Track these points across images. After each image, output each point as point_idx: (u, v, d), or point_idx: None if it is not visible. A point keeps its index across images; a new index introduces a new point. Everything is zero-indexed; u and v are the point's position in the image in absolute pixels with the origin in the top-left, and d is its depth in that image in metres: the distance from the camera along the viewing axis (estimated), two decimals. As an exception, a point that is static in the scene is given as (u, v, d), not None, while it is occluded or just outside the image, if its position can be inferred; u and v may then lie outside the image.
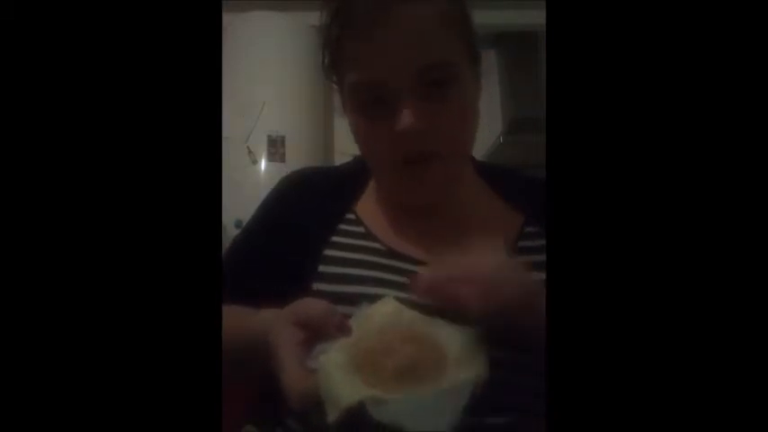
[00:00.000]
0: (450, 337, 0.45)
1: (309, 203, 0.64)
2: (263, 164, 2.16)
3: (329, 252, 0.59)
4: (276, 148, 2.17)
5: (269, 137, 2.17)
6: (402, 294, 0.53)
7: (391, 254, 0.59)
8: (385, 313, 0.47)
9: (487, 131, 2.30)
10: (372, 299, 0.52)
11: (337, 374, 0.42)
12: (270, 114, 2.19)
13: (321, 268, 0.58)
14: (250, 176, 2.12)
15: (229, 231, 1.86)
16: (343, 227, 0.62)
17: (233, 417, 0.59)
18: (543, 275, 0.43)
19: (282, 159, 2.17)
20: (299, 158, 2.19)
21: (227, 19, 2.11)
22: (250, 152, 2.16)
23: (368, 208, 0.64)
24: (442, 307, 0.47)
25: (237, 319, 0.54)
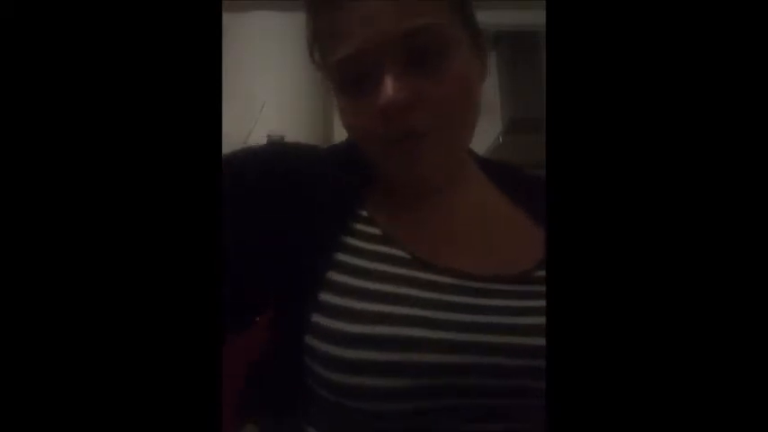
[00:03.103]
0: None
1: (310, 187, 0.54)
2: (262, 164, 2.16)
3: (341, 257, 0.50)
4: (276, 147, 2.18)
5: (269, 137, 2.18)
6: (436, 315, 0.46)
7: (418, 264, 0.51)
8: None
9: (487, 131, 2.30)
10: (397, 321, 0.45)
11: None
12: (270, 114, 2.20)
13: (330, 275, 0.49)
14: (250, 176, 2.12)
15: (229, 231, 1.85)
16: (358, 227, 0.53)
17: (233, 417, 0.59)
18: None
19: (282, 159, 2.17)
20: (298, 158, 2.18)
21: (228, 19, 2.11)
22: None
23: (380, 206, 0.55)
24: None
25: None
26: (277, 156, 0.56)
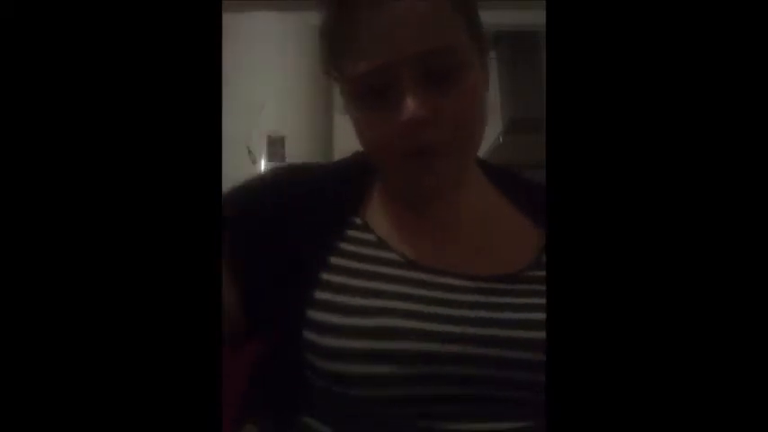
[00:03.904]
0: None
1: (308, 202, 0.57)
2: (262, 164, 2.16)
3: (336, 260, 0.54)
4: (276, 148, 2.18)
5: (269, 137, 2.18)
6: (425, 309, 0.50)
7: (411, 265, 0.54)
8: None
9: (487, 131, 2.30)
10: (390, 313, 0.49)
11: None
12: (270, 114, 2.20)
13: (325, 276, 0.53)
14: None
15: (229, 231, 1.85)
16: (352, 233, 0.56)
17: (233, 416, 0.59)
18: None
19: (282, 159, 2.17)
20: (299, 158, 2.18)
21: (227, 19, 2.11)
22: (250, 152, 2.16)
23: (376, 214, 0.59)
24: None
25: None
26: (279, 178, 0.61)
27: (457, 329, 0.50)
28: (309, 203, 0.57)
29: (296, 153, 2.19)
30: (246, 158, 2.15)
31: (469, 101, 0.52)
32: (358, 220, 0.57)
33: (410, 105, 0.49)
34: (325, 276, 0.53)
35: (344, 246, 0.55)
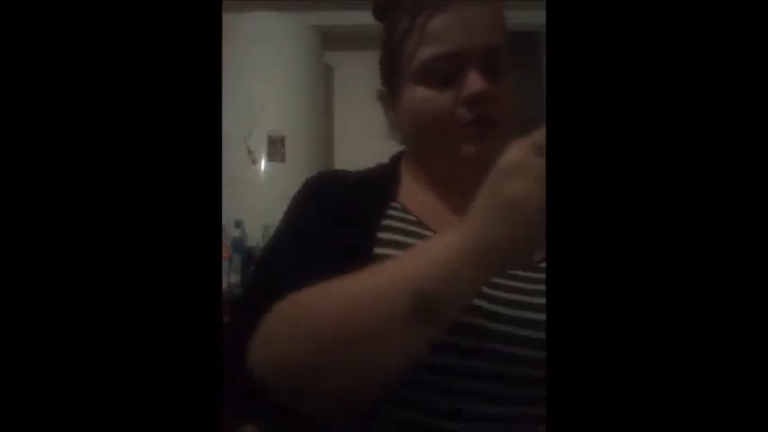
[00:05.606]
0: None
1: (350, 197, 0.65)
2: (262, 164, 2.16)
3: (383, 235, 0.61)
4: (276, 148, 2.18)
5: (269, 137, 2.18)
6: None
7: None
8: None
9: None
10: None
11: None
12: (270, 114, 2.20)
13: (376, 250, 0.59)
14: (250, 176, 2.13)
15: (229, 231, 1.86)
16: (392, 213, 0.64)
17: (233, 417, 0.59)
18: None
19: (282, 159, 2.17)
20: (299, 158, 2.19)
21: (227, 19, 2.11)
22: (250, 152, 2.16)
23: (411, 201, 0.67)
24: None
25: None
26: (331, 179, 0.70)
27: (503, 311, 0.56)
28: (352, 199, 0.65)
29: (296, 153, 2.20)
30: (246, 158, 2.15)
31: (509, 92, 0.65)
32: (397, 205, 0.66)
33: (477, 82, 0.60)
34: (376, 250, 0.59)
35: (389, 222, 0.63)
